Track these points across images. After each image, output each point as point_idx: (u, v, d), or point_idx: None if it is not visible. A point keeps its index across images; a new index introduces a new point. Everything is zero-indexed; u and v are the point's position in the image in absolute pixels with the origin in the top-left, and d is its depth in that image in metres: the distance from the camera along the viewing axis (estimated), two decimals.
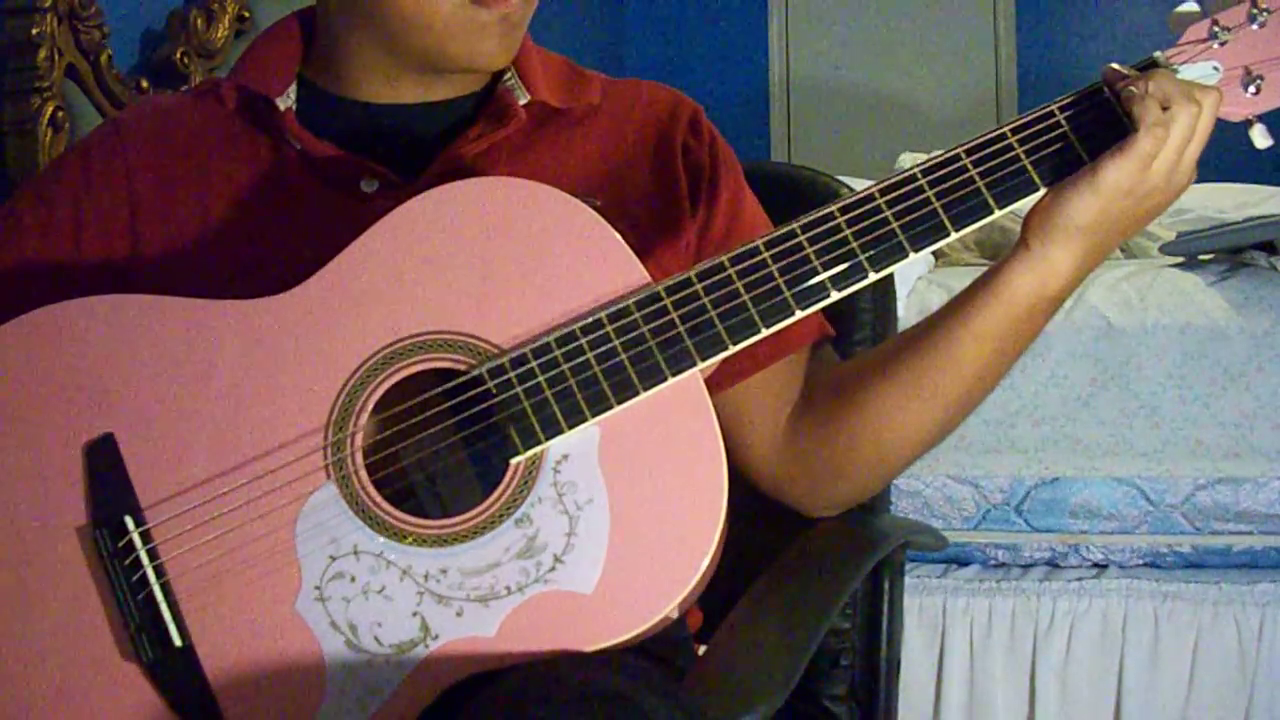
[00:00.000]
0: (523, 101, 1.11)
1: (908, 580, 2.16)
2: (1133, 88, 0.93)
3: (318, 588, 0.93)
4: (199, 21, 2.14)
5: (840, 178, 1.38)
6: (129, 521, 0.94)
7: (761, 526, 1.17)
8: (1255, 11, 0.95)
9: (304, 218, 1.07)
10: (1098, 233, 0.96)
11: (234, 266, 1.05)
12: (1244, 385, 2.11)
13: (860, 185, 1.35)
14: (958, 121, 4.86)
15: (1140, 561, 2.15)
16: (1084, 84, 0.96)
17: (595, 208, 1.01)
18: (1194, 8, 0.96)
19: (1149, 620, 2.09)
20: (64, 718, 0.93)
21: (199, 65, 2.14)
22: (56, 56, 1.83)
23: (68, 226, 1.09)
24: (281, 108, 1.10)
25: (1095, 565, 2.17)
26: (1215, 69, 0.95)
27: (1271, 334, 2.11)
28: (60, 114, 1.82)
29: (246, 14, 2.26)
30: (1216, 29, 0.95)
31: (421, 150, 1.10)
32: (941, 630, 2.15)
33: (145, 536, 0.94)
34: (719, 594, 1.02)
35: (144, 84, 2.02)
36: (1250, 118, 0.98)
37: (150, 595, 0.93)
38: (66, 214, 1.09)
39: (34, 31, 1.79)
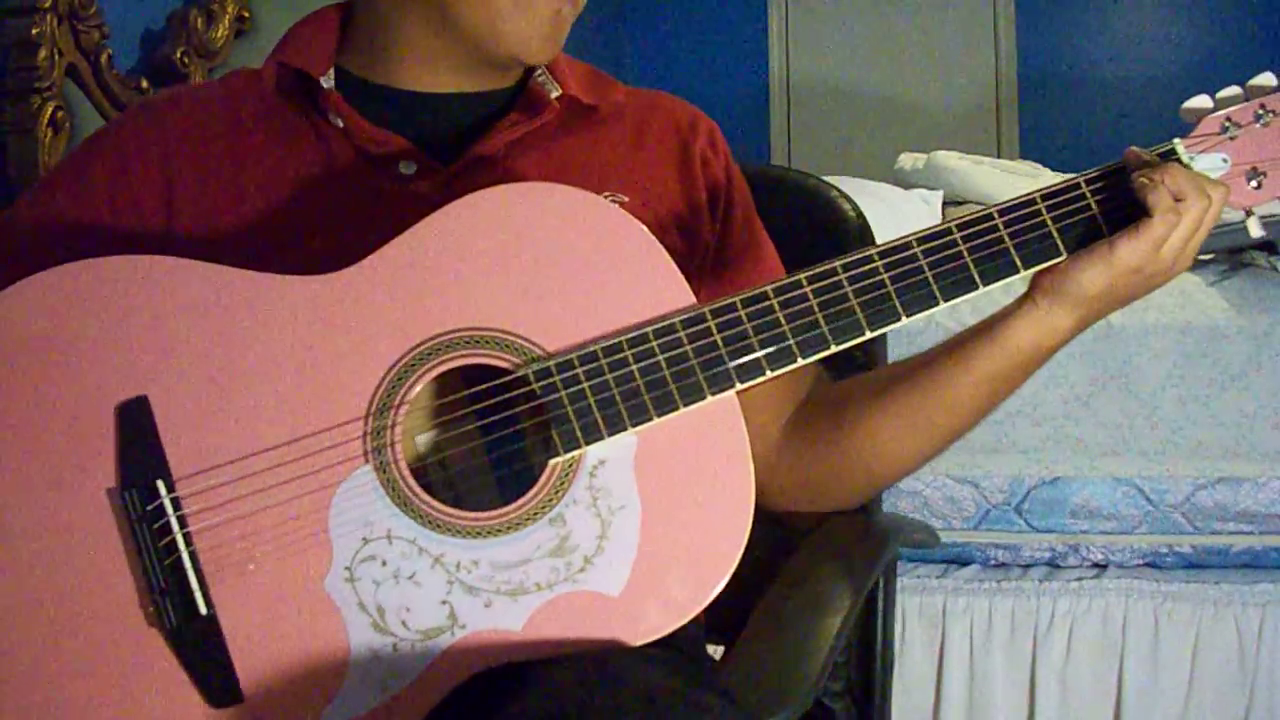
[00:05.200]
0: (554, 95, 1.13)
1: (908, 580, 2.16)
2: (1145, 179, 1.00)
3: (348, 568, 0.94)
4: (199, 21, 2.15)
5: (842, 179, 1.39)
6: (160, 486, 0.93)
7: (767, 526, 1.17)
8: (1261, 112, 1.03)
9: (342, 195, 1.08)
10: (1101, 302, 1.04)
11: (269, 241, 1.05)
12: (1244, 385, 2.11)
13: (861, 185, 1.36)
14: (958, 121, 4.86)
15: (1140, 561, 2.15)
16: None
17: (622, 204, 1.02)
18: (1205, 103, 1.04)
19: (1149, 620, 2.09)
20: (84, 677, 0.92)
21: (199, 65, 2.14)
22: (56, 56, 1.83)
23: (103, 204, 1.08)
24: (325, 86, 1.10)
25: (1095, 565, 2.17)
26: (1224, 160, 1.03)
27: (1271, 334, 2.11)
28: (60, 114, 1.83)
29: (246, 14, 2.26)
30: (1228, 124, 1.03)
31: (456, 138, 1.11)
32: (941, 630, 2.15)
33: (175, 504, 0.93)
34: (725, 591, 1.04)
35: (144, 84, 2.02)
36: (1250, 208, 1.05)
37: (178, 561, 0.93)
38: (102, 191, 1.08)
39: (34, 31, 1.79)
